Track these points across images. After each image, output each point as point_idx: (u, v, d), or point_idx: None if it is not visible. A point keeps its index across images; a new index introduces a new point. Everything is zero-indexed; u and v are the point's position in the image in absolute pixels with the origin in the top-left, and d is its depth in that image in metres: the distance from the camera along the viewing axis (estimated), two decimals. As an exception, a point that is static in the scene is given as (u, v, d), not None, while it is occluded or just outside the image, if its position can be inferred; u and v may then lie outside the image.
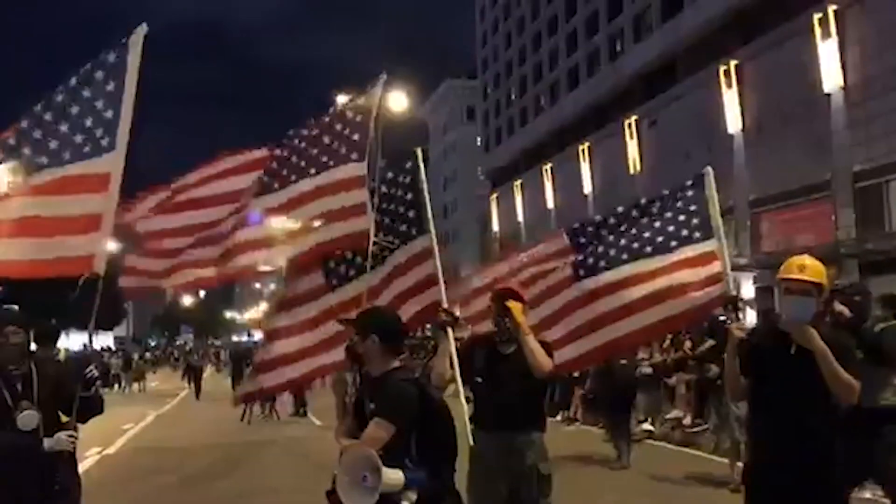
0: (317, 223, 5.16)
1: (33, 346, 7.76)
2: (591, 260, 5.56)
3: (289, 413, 19.36)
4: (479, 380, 4.85)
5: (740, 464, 6.42)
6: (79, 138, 4.64)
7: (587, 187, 47.53)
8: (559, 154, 52.21)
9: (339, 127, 5.25)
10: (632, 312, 5.35)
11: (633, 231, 5.55)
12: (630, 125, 42.54)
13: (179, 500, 9.69)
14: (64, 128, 4.64)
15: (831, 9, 27.80)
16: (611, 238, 5.60)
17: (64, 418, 4.54)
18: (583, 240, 5.74)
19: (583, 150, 48.25)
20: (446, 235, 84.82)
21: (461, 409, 4.74)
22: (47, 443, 4.35)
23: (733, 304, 4.94)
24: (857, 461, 5.27)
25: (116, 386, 34.86)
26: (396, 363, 3.95)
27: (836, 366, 3.88)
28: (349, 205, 5.05)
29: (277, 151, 5.36)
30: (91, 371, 4.74)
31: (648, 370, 13.03)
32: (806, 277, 4.03)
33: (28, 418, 4.34)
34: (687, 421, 11.91)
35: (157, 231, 5.40)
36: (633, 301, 5.34)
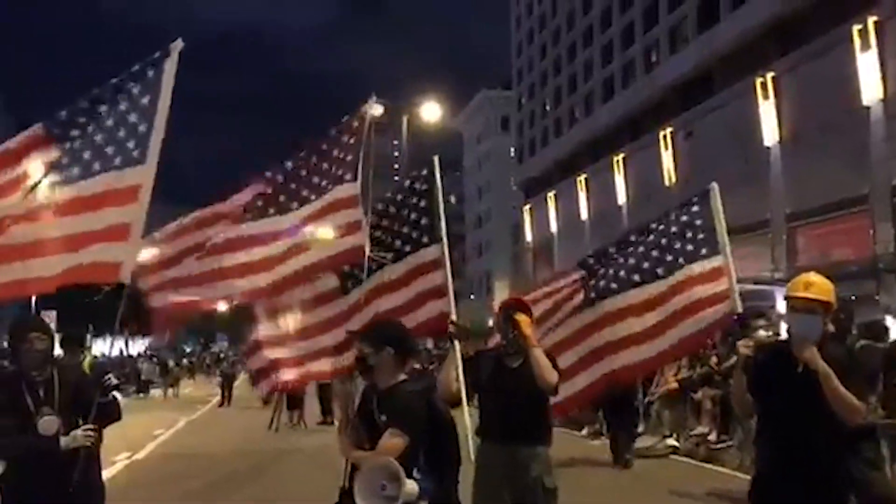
0: (312, 243, 5.24)
1: (59, 352, 8.02)
2: (602, 283, 5.55)
3: (316, 422, 19.46)
4: (485, 392, 4.86)
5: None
6: (110, 150, 4.73)
7: (621, 198, 47.23)
8: (593, 165, 51.97)
9: (332, 150, 5.36)
10: (644, 339, 5.33)
11: (641, 250, 5.53)
12: (665, 136, 42.22)
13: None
14: (98, 138, 4.73)
15: (871, 20, 27.38)
16: (620, 260, 5.57)
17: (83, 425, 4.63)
18: (596, 266, 5.71)
19: (617, 162, 47.98)
20: (479, 246, 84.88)
21: (465, 421, 4.76)
22: (64, 441, 4.43)
23: (741, 322, 4.89)
24: None
25: (150, 391, 35.27)
26: (404, 375, 4.00)
27: (839, 386, 3.83)
28: (344, 223, 5.15)
29: (276, 178, 5.43)
30: (108, 379, 4.83)
31: (674, 385, 12.92)
32: (812, 295, 3.98)
33: (48, 423, 4.43)
34: (712, 437, 11.76)
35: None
36: (645, 328, 5.32)
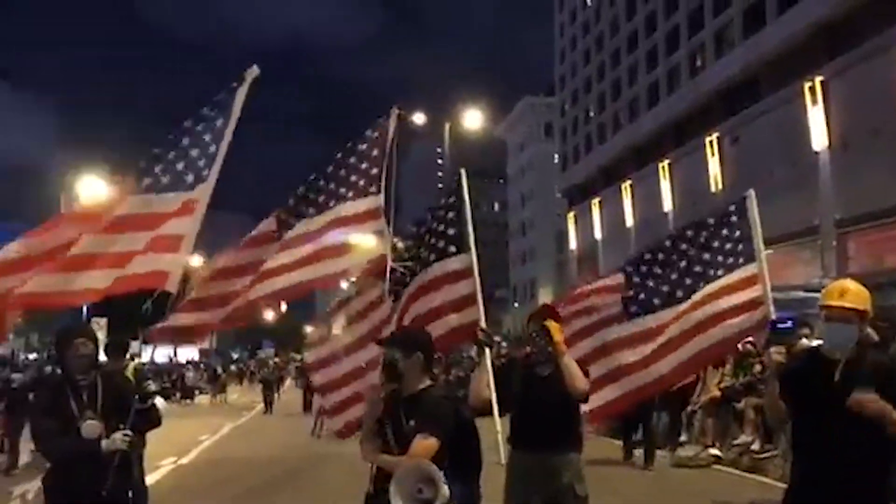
0: (336, 251, 5.34)
1: (104, 358, 8.22)
2: (642, 295, 5.52)
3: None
4: (517, 400, 4.87)
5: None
6: (184, 169, 4.95)
7: (667, 205, 46.72)
8: (638, 171, 51.53)
9: (356, 161, 5.47)
10: (675, 347, 5.29)
11: (684, 264, 5.49)
12: (711, 142, 41.70)
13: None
14: (172, 157, 4.97)
15: (922, 21, 26.80)
16: (661, 272, 5.54)
17: None
18: (636, 279, 5.67)
19: (663, 168, 47.52)
20: (523, 253, 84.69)
21: (497, 426, 4.78)
22: (104, 444, 4.53)
23: (774, 328, 4.82)
24: None
25: (196, 398, 35.76)
26: (429, 381, 4.05)
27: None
28: (368, 234, 5.31)
29: (300, 191, 5.55)
30: (147, 385, 4.95)
31: (716, 394, 12.74)
32: (847, 304, 3.91)
33: (91, 428, 4.53)
34: (755, 446, 11.54)
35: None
36: (676, 336, 5.28)
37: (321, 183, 5.48)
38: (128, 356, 8.76)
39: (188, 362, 51.91)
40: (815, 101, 32.72)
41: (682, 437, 13.45)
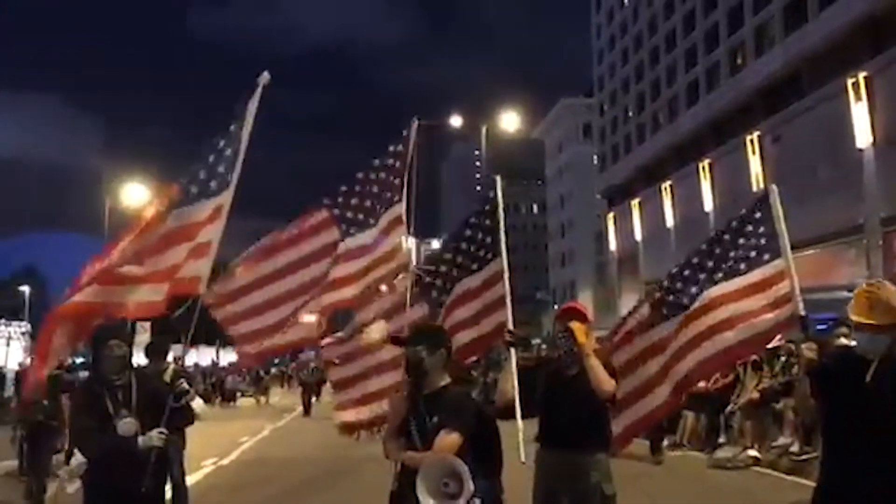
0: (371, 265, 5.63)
1: (145, 360, 8.42)
2: (674, 299, 5.51)
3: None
4: (545, 400, 4.90)
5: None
6: (208, 177, 5.16)
7: (708, 205, 46.21)
8: (678, 171, 51.04)
9: (384, 175, 5.72)
10: (699, 344, 5.27)
11: (710, 263, 5.48)
12: (752, 141, 41.18)
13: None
14: (200, 168, 5.20)
15: (969, 14, 26.16)
16: (691, 275, 5.54)
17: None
18: (669, 285, 5.67)
19: (703, 167, 47.02)
20: (562, 255, 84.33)
21: (519, 425, 4.84)
22: (141, 441, 4.68)
23: (803, 325, 4.78)
24: None
25: (237, 401, 36.16)
26: (448, 378, 4.15)
27: None
28: (389, 248, 5.60)
29: (336, 211, 5.75)
30: (180, 383, 5.08)
31: (755, 395, 12.59)
32: (876, 322, 3.89)
33: (127, 425, 4.69)
34: (795, 448, 11.37)
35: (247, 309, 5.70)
36: (701, 331, 5.26)
37: (356, 201, 5.71)
38: (169, 359, 8.93)
39: (230, 365, 52.62)
40: (858, 98, 32.18)
41: (721, 439, 13.32)
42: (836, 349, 4.51)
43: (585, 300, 71.82)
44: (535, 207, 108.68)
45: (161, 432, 4.72)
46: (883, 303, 3.93)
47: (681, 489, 10.86)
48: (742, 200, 38.95)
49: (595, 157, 71.04)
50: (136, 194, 34.01)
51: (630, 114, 62.12)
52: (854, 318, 3.97)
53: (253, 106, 5.21)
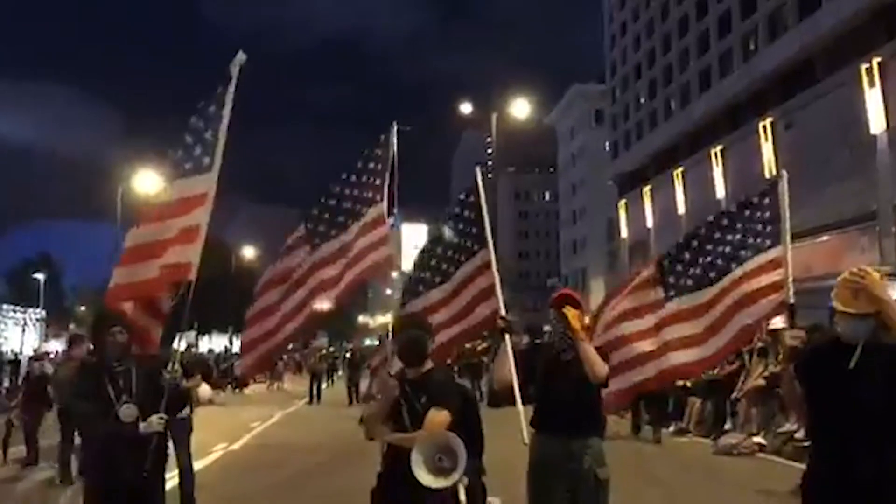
0: (352, 261, 5.66)
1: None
2: (676, 280, 5.57)
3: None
4: (540, 385, 4.97)
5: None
6: (186, 159, 5.27)
7: (720, 192, 45.99)
8: (690, 158, 50.83)
9: (365, 178, 5.77)
10: (703, 339, 5.34)
11: (710, 247, 5.53)
12: (765, 127, 40.95)
13: (283, 495, 10.11)
14: (179, 152, 5.31)
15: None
16: (693, 258, 5.59)
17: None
18: (668, 264, 5.73)
19: (715, 154, 46.79)
20: (574, 243, 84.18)
21: (519, 408, 4.95)
22: (142, 426, 4.76)
23: (791, 312, 4.83)
24: None
25: (248, 387, 36.29)
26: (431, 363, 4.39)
27: None
28: (376, 240, 5.61)
29: (310, 225, 5.85)
30: (175, 373, 5.16)
31: (761, 382, 12.61)
32: (860, 311, 3.89)
33: (128, 411, 4.77)
34: (799, 434, 11.39)
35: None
36: (704, 328, 5.34)
37: (336, 203, 5.78)
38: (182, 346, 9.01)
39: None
40: (872, 84, 31.92)
41: (727, 426, 13.37)
42: (820, 337, 4.52)
43: (597, 287, 71.78)
44: (546, 195, 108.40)
45: (161, 417, 4.80)
46: (867, 291, 3.92)
47: (686, 475, 10.90)
48: (754, 187, 38.98)
49: (607, 143, 70.75)
50: (151, 183, 34.16)
51: (642, 100, 61.81)
52: (837, 306, 3.97)
53: (232, 88, 5.24)
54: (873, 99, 31.90)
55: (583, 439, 4.81)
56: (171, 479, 8.61)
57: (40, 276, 70.12)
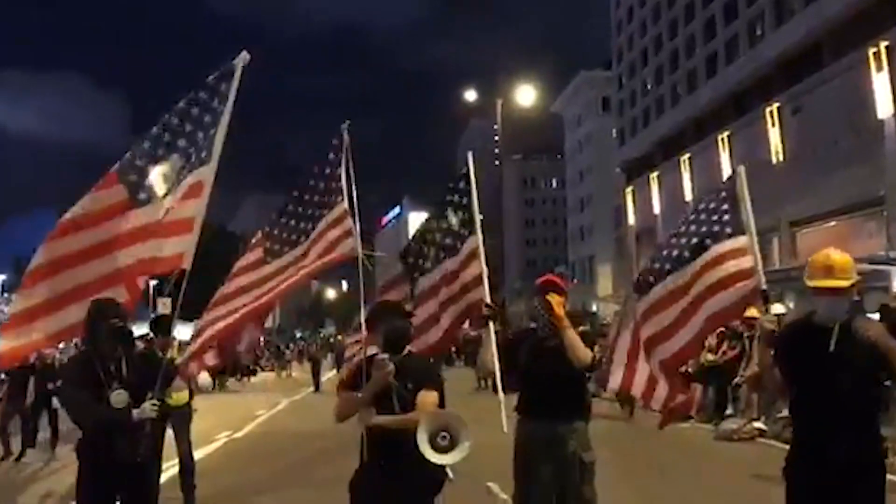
0: (317, 257, 5.60)
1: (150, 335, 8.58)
2: (651, 278, 5.65)
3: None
4: (525, 371, 5.01)
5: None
6: (193, 153, 5.27)
7: (727, 178, 45.74)
8: (697, 144, 50.58)
9: (323, 184, 5.68)
10: (682, 324, 5.38)
11: (674, 241, 5.63)
12: (772, 112, 40.71)
13: (282, 483, 10.20)
14: (181, 143, 5.28)
15: None
16: (667, 256, 5.66)
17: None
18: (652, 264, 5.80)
19: (722, 140, 46.56)
20: (581, 230, 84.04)
21: (500, 397, 5.01)
22: (135, 413, 4.81)
23: (764, 298, 4.89)
24: None
25: (254, 376, 36.53)
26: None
27: None
28: (337, 235, 5.49)
29: (279, 219, 5.84)
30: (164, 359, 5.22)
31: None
32: (833, 284, 3.93)
33: (119, 397, 4.83)
34: (797, 418, 11.47)
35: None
36: (677, 316, 5.38)
37: (299, 209, 5.74)
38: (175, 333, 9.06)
39: (248, 344, 53.17)
40: (879, 68, 31.69)
41: (728, 411, 13.40)
42: (796, 320, 4.55)
43: (605, 274, 71.75)
44: (554, 182, 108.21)
45: (154, 404, 4.85)
46: (839, 265, 3.96)
47: (684, 460, 10.94)
48: (762, 173, 38.74)
49: (614, 130, 70.48)
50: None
51: (649, 86, 61.52)
52: (811, 283, 3.99)
53: (235, 84, 5.26)
54: (881, 83, 31.67)
55: (568, 423, 4.85)
56: (173, 468, 8.77)
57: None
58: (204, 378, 9.54)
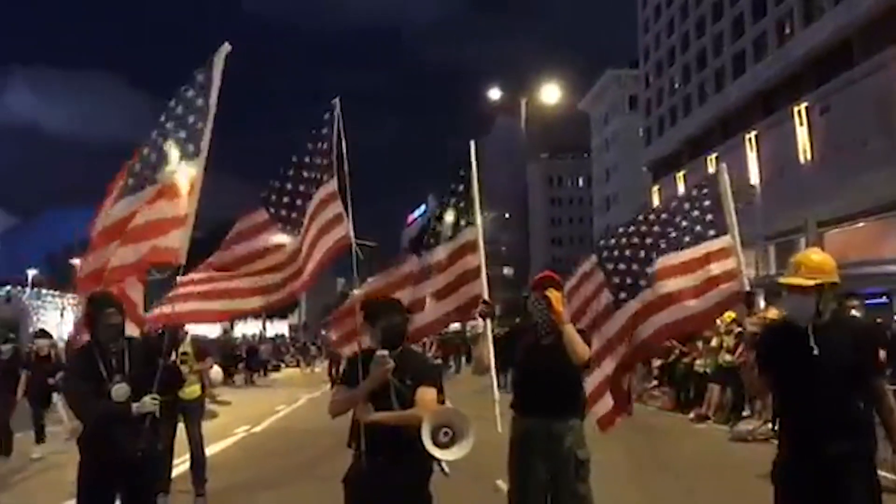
0: (311, 243, 5.56)
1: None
2: (618, 280, 5.62)
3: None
4: (520, 368, 5.02)
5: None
6: (175, 147, 5.38)
7: (754, 178, 45.37)
8: (724, 143, 50.18)
9: (309, 160, 5.65)
10: (653, 311, 5.35)
11: (650, 242, 5.56)
12: (800, 112, 40.31)
13: (294, 478, 10.17)
14: (161, 140, 5.42)
15: None
16: (633, 253, 5.61)
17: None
18: (610, 265, 5.72)
19: (749, 139, 46.17)
20: (607, 229, 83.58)
21: (495, 394, 5.02)
22: (135, 407, 4.87)
23: (748, 299, 4.88)
24: None
25: (274, 371, 36.76)
26: None
27: None
28: (328, 219, 5.46)
29: (272, 210, 5.77)
30: (168, 342, 5.28)
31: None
32: (796, 282, 3.94)
33: (120, 390, 4.88)
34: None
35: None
36: (652, 301, 5.35)
37: (288, 186, 5.70)
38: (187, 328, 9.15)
39: (277, 336, 53.75)
40: (909, 66, 31.22)
41: (745, 412, 13.29)
42: (774, 322, 4.54)
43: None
44: (580, 181, 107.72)
45: (154, 397, 4.90)
46: (811, 263, 3.97)
47: (696, 461, 10.88)
48: (789, 173, 38.35)
49: (641, 129, 70.06)
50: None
51: (676, 85, 61.10)
52: (782, 280, 4.02)
53: (217, 79, 5.32)
54: (912, 82, 31.24)
55: (563, 421, 4.84)
56: (186, 462, 8.88)
57: (77, 262, 71.32)
58: (216, 371, 9.65)
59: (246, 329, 59.55)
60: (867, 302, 20.90)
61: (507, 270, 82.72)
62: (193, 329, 9.33)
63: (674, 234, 5.43)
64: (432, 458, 4.25)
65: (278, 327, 72.59)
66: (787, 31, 43.85)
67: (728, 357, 14.25)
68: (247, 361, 33.49)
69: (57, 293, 55.91)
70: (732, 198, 5.44)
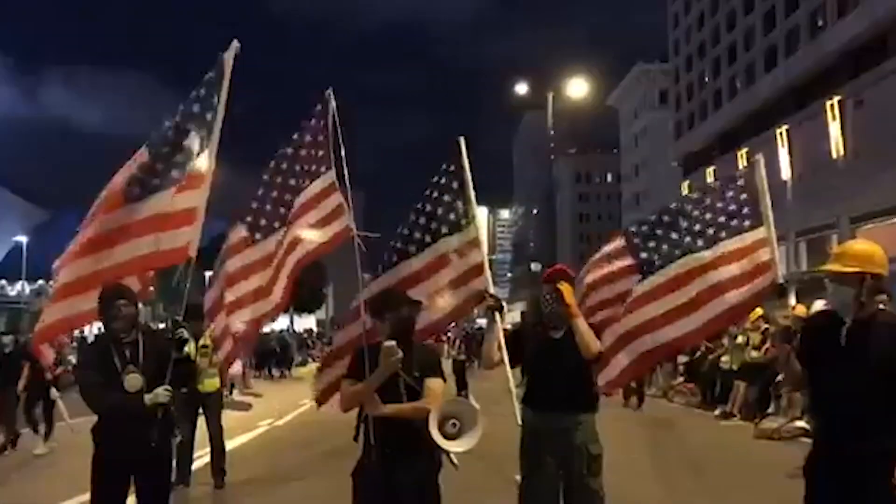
0: (307, 233, 5.56)
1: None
2: (647, 256, 5.52)
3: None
4: (531, 362, 4.97)
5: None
6: (194, 143, 5.36)
7: (785, 173, 44.65)
8: (755, 138, 49.50)
9: (305, 152, 5.63)
10: (686, 312, 5.27)
11: (685, 226, 5.46)
12: (833, 106, 39.60)
13: (312, 471, 10.21)
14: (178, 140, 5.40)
15: None
16: (665, 234, 5.51)
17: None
18: (637, 240, 5.63)
19: (781, 134, 45.43)
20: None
21: (511, 388, 5.02)
22: (147, 398, 4.86)
23: (781, 292, 4.78)
24: None
25: (298, 368, 36.90)
26: None
27: None
28: (328, 211, 5.45)
29: (261, 195, 5.84)
30: (180, 332, 5.28)
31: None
32: (836, 269, 3.88)
33: (133, 381, 4.87)
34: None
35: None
36: (687, 300, 5.26)
37: (278, 179, 5.72)
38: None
39: (306, 331, 54.05)
40: (946, 59, 30.60)
41: (771, 409, 13.13)
42: (818, 312, 4.46)
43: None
44: (608, 176, 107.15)
45: (167, 389, 4.90)
46: (850, 251, 3.93)
47: (719, 457, 10.77)
48: (821, 168, 37.84)
49: (671, 123, 69.47)
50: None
51: (706, 79, 60.49)
52: (821, 269, 3.98)
53: (228, 73, 5.34)
54: (948, 75, 30.62)
55: (575, 415, 4.81)
56: (206, 455, 8.97)
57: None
58: (235, 365, 9.69)
59: (275, 325, 59.99)
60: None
61: (534, 266, 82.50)
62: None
63: (710, 232, 5.35)
64: (441, 450, 4.23)
65: (306, 322, 73.02)
66: (820, 24, 43.22)
67: (754, 354, 14.10)
68: (278, 357, 33.79)
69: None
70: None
